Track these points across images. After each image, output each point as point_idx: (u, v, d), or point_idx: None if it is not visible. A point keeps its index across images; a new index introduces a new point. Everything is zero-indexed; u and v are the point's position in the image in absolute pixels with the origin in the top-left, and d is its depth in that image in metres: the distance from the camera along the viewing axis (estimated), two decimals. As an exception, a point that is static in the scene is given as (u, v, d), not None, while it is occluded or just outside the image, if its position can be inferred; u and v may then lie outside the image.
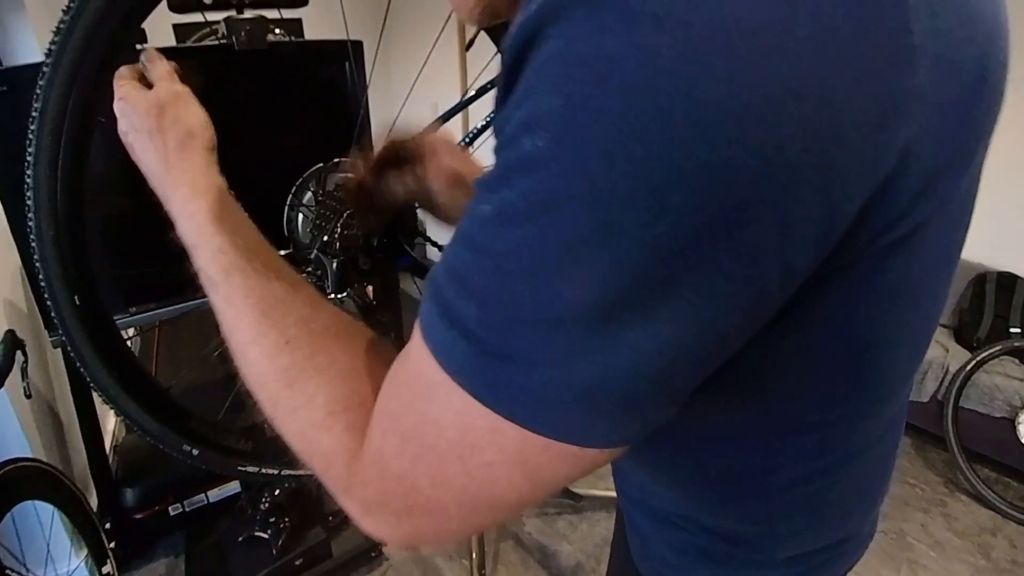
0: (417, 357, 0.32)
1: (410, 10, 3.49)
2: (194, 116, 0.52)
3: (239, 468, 0.78)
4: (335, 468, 0.36)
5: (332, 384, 0.38)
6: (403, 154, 0.62)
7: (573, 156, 0.25)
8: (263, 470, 0.79)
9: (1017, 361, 2.49)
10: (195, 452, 0.74)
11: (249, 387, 0.42)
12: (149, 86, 0.54)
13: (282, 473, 0.80)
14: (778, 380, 0.39)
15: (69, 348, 0.65)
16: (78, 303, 0.63)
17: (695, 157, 0.23)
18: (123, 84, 0.54)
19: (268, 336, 0.41)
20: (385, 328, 0.69)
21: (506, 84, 0.29)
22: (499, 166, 0.29)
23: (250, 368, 0.42)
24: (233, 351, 0.43)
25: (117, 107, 0.53)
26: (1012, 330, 2.49)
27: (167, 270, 1.09)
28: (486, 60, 1.02)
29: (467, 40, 1.43)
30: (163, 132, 0.51)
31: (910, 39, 0.25)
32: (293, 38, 1.95)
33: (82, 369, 0.66)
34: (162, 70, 0.55)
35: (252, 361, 0.41)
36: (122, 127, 0.53)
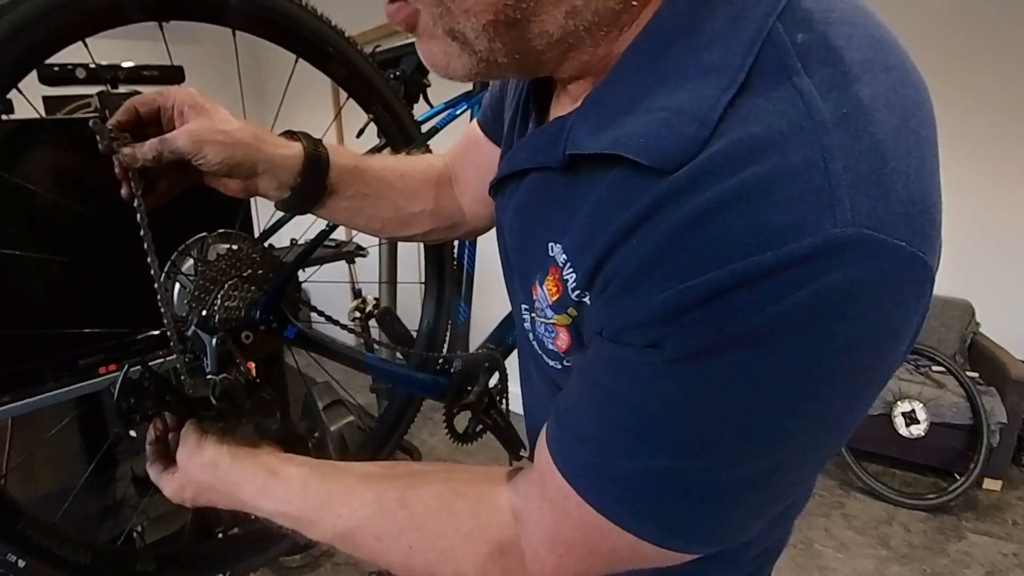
0: (585, 515, 0.37)
1: (294, 89, 3.45)
2: (198, 492, 0.57)
3: None
4: None
5: (471, 552, 0.43)
6: (146, 117, 0.58)
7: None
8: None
9: (884, 361, 2.76)
10: (21, 564, 0.62)
11: None
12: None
13: None
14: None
15: None
16: None
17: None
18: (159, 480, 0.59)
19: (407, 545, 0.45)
20: (269, 405, 0.64)
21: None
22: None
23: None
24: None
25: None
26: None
27: (23, 358, 0.98)
28: (365, 135, 1.02)
29: (359, 129, 1.44)
30: (207, 503, 0.57)
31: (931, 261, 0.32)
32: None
33: None
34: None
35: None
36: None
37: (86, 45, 0.67)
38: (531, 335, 0.47)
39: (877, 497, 2.51)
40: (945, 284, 2.68)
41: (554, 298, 0.41)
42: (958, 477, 2.43)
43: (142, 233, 0.57)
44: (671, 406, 0.33)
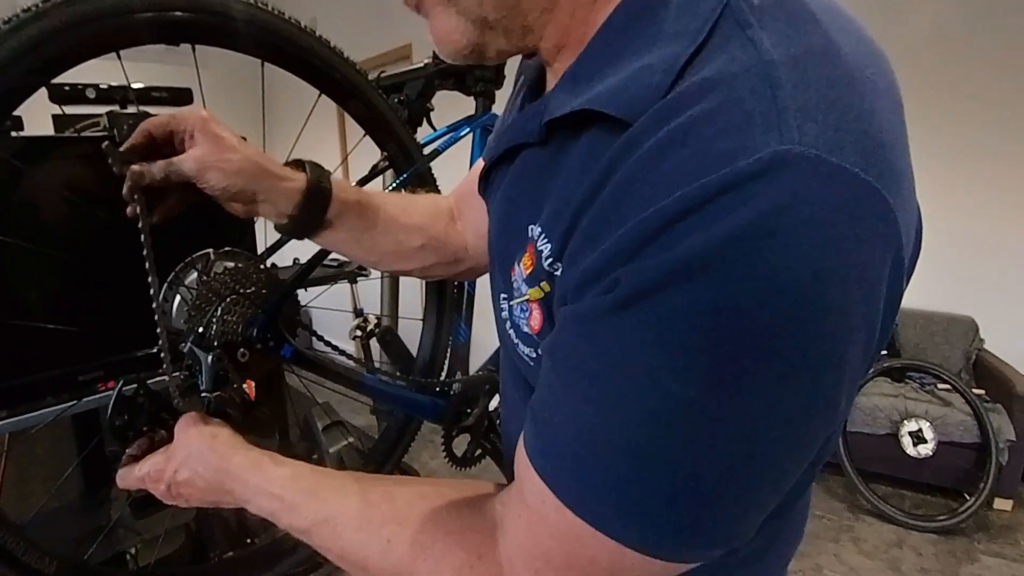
0: (563, 519, 0.35)
1: (296, 106, 3.51)
2: (186, 459, 0.55)
3: None
4: None
5: (449, 552, 0.42)
6: (160, 138, 0.61)
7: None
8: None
9: (889, 380, 2.73)
10: None
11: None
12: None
13: None
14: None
15: None
16: None
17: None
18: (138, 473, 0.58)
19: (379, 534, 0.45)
20: (265, 425, 0.63)
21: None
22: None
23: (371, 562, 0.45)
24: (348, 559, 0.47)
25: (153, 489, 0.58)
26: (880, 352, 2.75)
27: (20, 372, 0.97)
28: (363, 145, 1.05)
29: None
30: (186, 484, 0.55)
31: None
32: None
33: None
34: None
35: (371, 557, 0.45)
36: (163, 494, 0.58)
37: (120, 58, 0.71)
38: (508, 324, 0.46)
39: (886, 520, 2.47)
40: (948, 300, 2.67)
41: (528, 271, 0.42)
42: (968, 497, 2.39)
43: (144, 253, 0.59)
44: (634, 362, 0.31)
